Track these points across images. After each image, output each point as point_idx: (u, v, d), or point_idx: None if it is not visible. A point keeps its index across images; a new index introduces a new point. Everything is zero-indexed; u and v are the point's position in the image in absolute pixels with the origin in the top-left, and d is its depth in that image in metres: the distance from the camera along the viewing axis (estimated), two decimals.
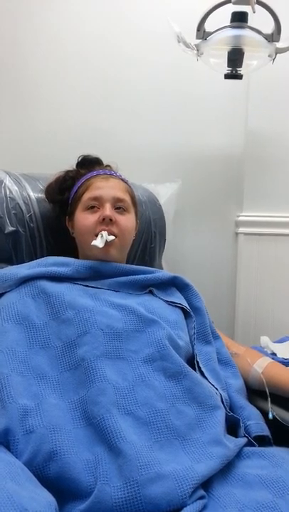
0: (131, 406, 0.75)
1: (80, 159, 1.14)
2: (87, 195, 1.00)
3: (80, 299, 0.88)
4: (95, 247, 0.93)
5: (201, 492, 0.67)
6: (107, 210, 0.97)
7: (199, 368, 0.89)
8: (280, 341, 1.21)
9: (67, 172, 1.11)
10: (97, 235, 0.96)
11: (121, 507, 0.62)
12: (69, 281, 0.92)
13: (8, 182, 1.10)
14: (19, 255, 1.07)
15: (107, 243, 0.94)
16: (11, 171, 1.15)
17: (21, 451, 0.67)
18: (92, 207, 0.99)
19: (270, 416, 0.87)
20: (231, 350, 1.00)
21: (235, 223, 1.56)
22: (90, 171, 1.08)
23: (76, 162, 1.14)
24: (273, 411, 0.88)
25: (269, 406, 0.89)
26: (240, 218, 1.54)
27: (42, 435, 0.68)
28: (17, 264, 1.03)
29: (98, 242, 0.93)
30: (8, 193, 1.08)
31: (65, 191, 1.09)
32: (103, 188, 1.00)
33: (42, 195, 1.12)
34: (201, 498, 0.66)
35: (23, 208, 1.08)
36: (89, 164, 1.12)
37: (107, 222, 0.96)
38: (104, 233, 0.95)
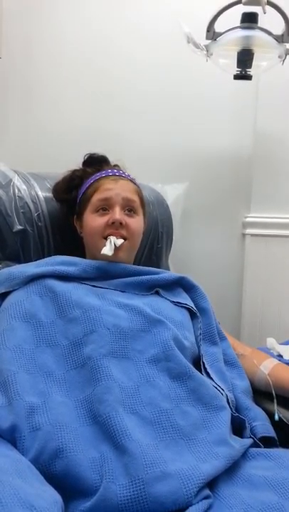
0: (136, 405, 0.75)
1: (86, 158, 1.14)
2: (96, 197, 1.00)
3: (87, 298, 0.88)
4: (105, 255, 0.94)
5: (207, 492, 0.66)
6: (117, 213, 0.97)
7: (205, 368, 0.89)
8: (287, 343, 1.21)
9: (74, 171, 1.12)
10: (105, 238, 0.96)
11: (126, 505, 0.62)
12: (76, 280, 0.93)
13: (16, 181, 1.10)
14: (27, 254, 1.08)
15: (116, 248, 0.95)
16: (20, 169, 1.16)
17: (28, 449, 0.67)
18: (102, 209, 0.99)
19: (276, 417, 0.87)
20: (237, 351, 1.00)
21: (243, 224, 1.56)
22: (97, 169, 1.08)
23: (82, 161, 1.14)
24: (279, 412, 0.88)
25: (275, 407, 0.88)
26: (248, 219, 1.54)
27: (48, 433, 0.68)
28: (25, 262, 1.03)
29: (108, 250, 0.93)
30: (16, 191, 1.09)
31: (72, 190, 1.09)
32: (113, 189, 1.00)
33: (50, 195, 1.12)
34: (207, 497, 0.66)
35: (32, 206, 1.09)
36: (96, 163, 1.12)
37: (116, 225, 0.97)
38: (113, 238, 0.95)
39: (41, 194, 1.11)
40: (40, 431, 0.69)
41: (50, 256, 1.01)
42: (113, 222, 0.96)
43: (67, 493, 0.64)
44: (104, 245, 0.95)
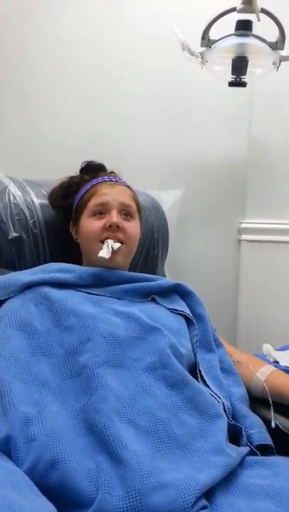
0: (132, 415, 0.74)
1: (83, 165, 1.14)
2: (93, 202, 1.00)
3: (83, 306, 0.87)
4: (102, 258, 0.93)
5: (204, 502, 0.66)
6: (114, 216, 0.97)
7: (201, 376, 0.89)
8: (283, 349, 1.20)
9: (72, 178, 1.12)
10: (102, 242, 0.96)
11: None
12: (72, 287, 0.92)
13: (12, 188, 1.10)
14: (22, 261, 1.07)
15: (113, 251, 0.94)
16: (15, 176, 1.16)
17: (22, 459, 0.67)
18: (98, 213, 0.99)
19: (273, 425, 0.87)
20: (234, 358, 1.00)
21: (238, 230, 1.56)
22: (94, 177, 1.08)
23: (80, 168, 1.14)
24: (276, 419, 0.88)
25: (272, 414, 0.88)
26: (243, 225, 1.54)
27: (43, 443, 0.68)
28: (20, 270, 1.03)
29: (105, 253, 0.93)
30: (12, 198, 1.08)
31: (68, 197, 1.09)
32: (109, 194, 1.00)
33: (46, 201, 1.12)
34: (204, 508, 0.65)
35: (27, 213, 1.08)
36: (93, 170, 1.12)
37: (113, 228, 0.96)
38: (110, 241, 0.95)
39: (37, 201, 1.11)
40: (35, 441, 0.68)
41: (46, 263, 1.00)
42: (110, 226, 0.96)
43: (62, 505, 0.63)
44: (102, 249, 0.94)
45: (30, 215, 1.09)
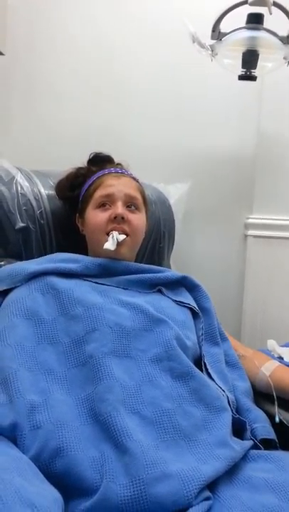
0: (137, 405, 0.74)
1: (91, 156, 1.14)
2: (98, 193, 1.00)
3: (89, 296, 0.87)
4: (107, 250, 0.93)
5: (207, 493, 0.66)
6: (119, 208, 0.97)
7: (206, 369, 0.89)
8: (288, 345, 1.20)
9: (79, 169, 1.11)
10: (108, 234, 0.96)
11: (126, 505, 0.61)
12: (78, 277, 0.92)
13: (19, 178, 1.10)
14: (29, 251, 1.08)
15: (118, 243, 0.94)
16: (23, 167, 1.16)
17: (28, 447, 0.67)
18: (104, 204, 0.99)
19: (277, 419, 0.87)
20: (238, 352, 1.00)
21: (245, 225, 1.56)
22: (101, 168, 1.08)
23: (88, 159, 1.14)
24: (280, 414, 0.88)
25: (276, 409, 0.88)
26: (250, 221, 1.53)
27: (49, 431, 0.68)
28: (26, 259, 1.03)
29: (110, 245, 0.93)
30: (19, 189, 1.08)
31: (75, 188, 1.09)
32: (115, 185, 1.00)
33: (53, 192, 1.12)
34: (207, 499, 0.65)
35: (34, 204, 1.08)
36: (100, 162, 1.12)
37: (118, 220, 0.96)
38: (115, 233, 0.95)
39: (44, 191, 1.11)
40: (40, 429, 0.68)
41: (53, 253, 1.00)
42: (115, 217, 0.96)
43: (67, 492, 0.63)
44: (107, 241, 0.94)
45: (37, 206, 1.09)
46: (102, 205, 0.99)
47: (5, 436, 0.69)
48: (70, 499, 0.63)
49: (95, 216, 0.98)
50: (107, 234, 0.96)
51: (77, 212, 1.07)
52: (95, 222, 0.98)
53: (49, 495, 0.58)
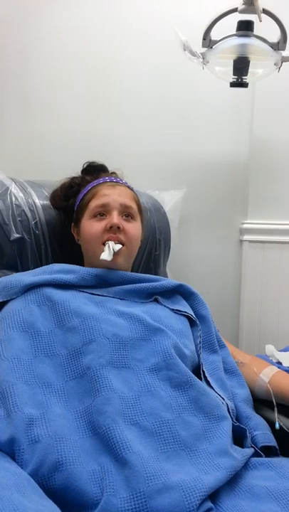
0: (137, 416, 0.74)
1: (85, 166, 1.14)
2: (94, 203, 1.00)
3: (86, 307, 0.87)
4: (104, 260, 0.93)
5: (209, 504, 0.65)
6: (115, 217, 0.97)
7: (205, 377, 0.88)
8: (286, 350, 1.20)
9: (73, 178, 1.12)
10: (104, 243, 0.96)
11: None
12: (74, 288, 0.92)
13: (13, 189, 1.10)
14: (24, 262, 1.07)
15: (114, 253, 0.94)
16: (17, 177, 1.16)
17: (27, 462, 0.66)
18: (99, 214, 0.99)
19: (277, 426, 0.86)
20: (237, 359, 0.99)
21: (240, 231, 1.56)
22: (95, 177, 1.08)
23: (81, 169, 1.14)
24: (280, 421, 0.87)
25: (276, 416, 0.88)
26: (245, 226, 1.54)
27: (47, 445, 0.67)
28: (22, 271, 1.02)
29: (106, 256, 0.93)
30: (13, 199, 1.08)
31: (70, 198, 1.09)
32: (110, 195, 1.00)
33: (47, 202, 1.12)
34: (209, 510, 0.65)
35: (29, 214, 1.08)
36: (94, 171, 1.12)
37: (114, 230, 0.96)
38: (111, 243, 0.95)
39: (38, 202, 1.11)
40: (39, 443, 0.68)
41: (48, 264, 1.00)
42: (111, 227, 0.96)
43: (67, 507, 0.62)
44: (103, 251, 0.94)
45: (32, 216, 1.08)
46: (97, 215, 0.99)
47: (3, 451, 0.68)
48: None
49: (91, 226, 0.98)
50: (103, 244, 0.96)
51: (72, 221, 1.07)
52: (91, 232, 0.98)
53: (48, 511, 0.57)
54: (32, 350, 0.81)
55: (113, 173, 1.13)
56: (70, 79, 1.48)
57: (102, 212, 0.99)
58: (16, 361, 0.79)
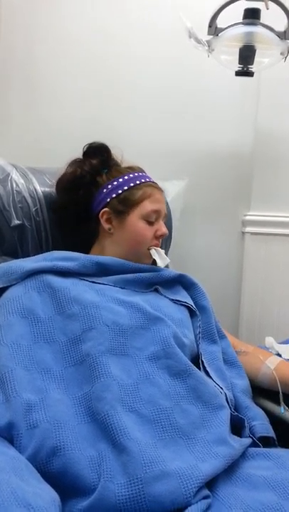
0: (135, 403, 0.74)
1: (86, 148, 1.09)
2: (149, 206, 1.00)
3: (86, 294, 0.87)
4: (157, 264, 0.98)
5: (206, 492, 0.66)
6: (164, 227, 1.01)
7: (204, 367, 0.88)
8: (286, 342, 1.20)
9: (81, 166, 1.05)
10: (149, 248, 0.99)
11: (124, 504, 0.61)
12: (75, 276, 0.92)
13: (14, 175, 1.09)
14: (25, 249, 1.07)
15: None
16: (18, 164, 1.15)
17: (25, 446, 0.66)
18: (151, 218, 1.00)
19: (282, 410, 0.87)
20: (239, 349, 0.99)
21: (242, 222, 1.55)
22: (100, 160, 1.05)
23: (83, 152, 1.09)
24: (286, 408, 0.88)
25: (281, 400, 0.88)
26: (247, 218, 1.53)
27: (46, 430, 0.67)
28: (22, 257, 1.01)
29: (161, 263, 0.99)
30: (14, 186, 1.07)
31: (80, 188, 1.04)
32: (161, 202, 1.03)
33: (48, 189, 1.11)
34: (206, 497, 0.65)
35: (30, 201, 1.07)
36: (98, 153, 1.08)
37: (159, 238, 1.01)
38: (162, 251, 1.01)
39: (39, 189, 1.10)
40: (37, 428, 0.68)
41: (48, 251, 0.99)
42: (161, 235, 1.00)
43: (64, 492, 0.63)
44: (151, 256, 0.99)
45: (32, 203, 1.08)
46: (149, 219, 1.00)
47: (1, 436, 0.68)
48: (68, 499, 0.63)
49: (144, 228, 0.99)
50: (148, 249, 0.99)
51: (101, 208, 1.01)
52: (143, 234, 0.99)
53: (46, 495, 0.57)
54: (32, 337, 0.81)
55: (140, 168, 1.09)
56: (74, 68, 1.47)
57: (155, 217, 1.00)
58: (15, 347, 0.79)
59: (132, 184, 1.02)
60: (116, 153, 1.11)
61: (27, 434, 0.67)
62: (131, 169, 1.06)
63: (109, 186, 1.03)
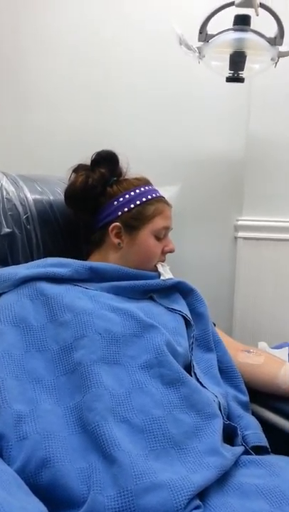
0: (127, 413, 0.73)
1: (94, 157, 1.06)
2: (160, 223, 1.00)
3: (79, 301, 0.86)
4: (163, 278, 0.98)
5: (197, 502, 0.65)
6: (172, 243, 1.03)
7: (196, 377, 0.87)
8: (278, 347, 1.20)
9: (91, 175, 1.02)
10: (155, 264, 1.00)
11: None
12: (69, 282, 0.91)
13: (4, 183, 1.08)
14: (15, 257, 1.06)
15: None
16: (8, 171, 1.14)
17: (14, 458, 0.66)
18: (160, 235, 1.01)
19: None
20: (246, 349, 1.00)
21: (235, 227, 1.55)
22: (110, 169, 1.03)
23: (92, 160, 1.06)
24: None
25: None
26: (240, 222, 1.53)
27: (35, 442, 0.67)
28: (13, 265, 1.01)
29: (168, 277, 0.99)
30: (4, 193, 1.06)
31: (91, 198, 1.02)
32: (170, 218, 1.04)
33: (39, 197, 1.10)
34: (197, 508, 0.65)
35: (20, 209, 1.07)
36: (107, 162, 1.05)
37: (166, 254, 1.02)
38: (165, 265, 1.01)
39: (30, 196, 1.09)
40: (27, 440, 0.67)
41: (39, 259, 0.98)
42: (168, 252, 1.02)
43: (54, 505, 0.62)
44: (157, 270, 0.99)
45: (23, 211, 1.07)
46: (159, 235, 1.01)
47: None
48: None
49: (155, 245, 1.00)
50: (155, 265, 1.00)
51: (111, 221, 1.00)
52: (153, 250, 1.00)
53: (34, 509, 0.56)
54: (23, 345, 0.80)
55: (148, 180, 1.08)
56: (64, 73, 1.46)
57: (164, 233, 1.01)
58: (6, 356, 0.78)
59: (144, 199, 1.01)
60: (121, 159, 1.10)
61: (17, 445, 0.67)
62: (139, 181, 1.05)
63: (121, 199, 1.00)
